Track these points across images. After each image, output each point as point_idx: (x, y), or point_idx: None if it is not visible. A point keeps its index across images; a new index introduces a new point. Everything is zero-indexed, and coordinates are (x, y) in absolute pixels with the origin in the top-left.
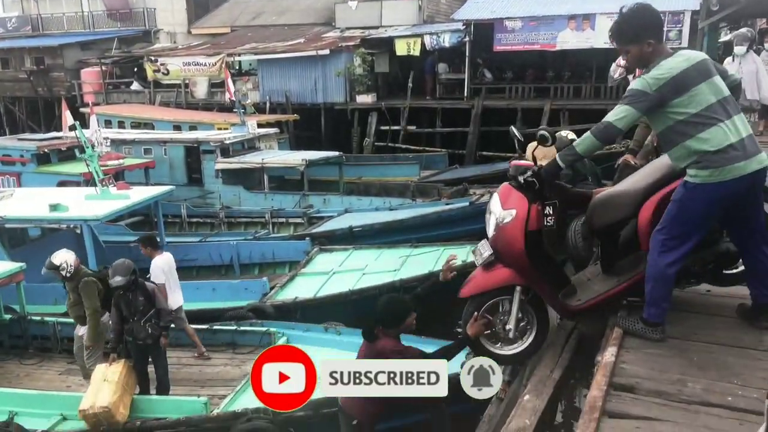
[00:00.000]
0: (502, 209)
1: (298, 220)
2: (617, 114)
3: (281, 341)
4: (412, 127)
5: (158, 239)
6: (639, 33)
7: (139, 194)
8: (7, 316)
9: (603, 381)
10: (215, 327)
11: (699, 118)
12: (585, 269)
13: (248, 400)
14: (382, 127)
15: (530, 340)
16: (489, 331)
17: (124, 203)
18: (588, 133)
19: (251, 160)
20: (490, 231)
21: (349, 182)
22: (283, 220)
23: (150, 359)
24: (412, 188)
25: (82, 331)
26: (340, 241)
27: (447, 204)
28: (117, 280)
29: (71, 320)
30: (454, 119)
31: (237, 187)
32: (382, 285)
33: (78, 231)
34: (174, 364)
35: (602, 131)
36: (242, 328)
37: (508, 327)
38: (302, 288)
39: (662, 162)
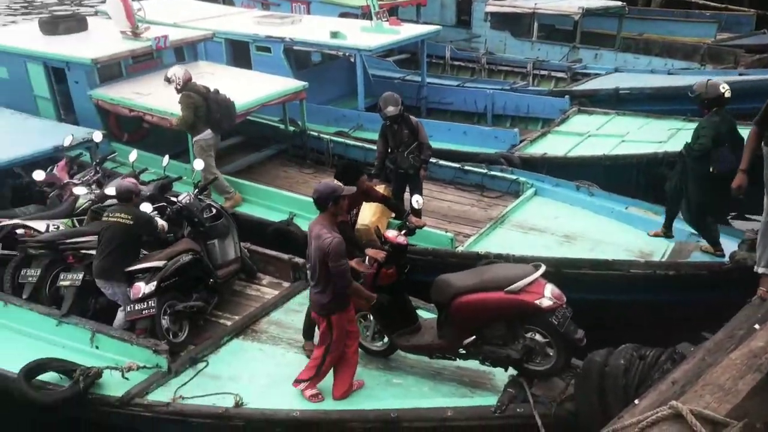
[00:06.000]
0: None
1: (561, 75)
2: None
3: (528, 192)
4: None
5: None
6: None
7: (409, 31)
8: (291, 128)
9: None
10: (466, 167)
11: None
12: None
13: (490, 243)
14: None
15: (387, 341)
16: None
17: (394, 38)
18: None
19: (523, 4)
20: None
21: (628, 38)
22: (546, 72)
23: (408, 188)
24: (702, 51)
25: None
26: (603, 103)
27: (741, 75)
28: (390, 110)
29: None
30: None
31: (504, 32)
32: (642, 155)
33: (352, 60)
34: (425, 196)
35: None
36: (492, 172)
37: (368, 334)
38: (553, 145)
39: (483, 270)
